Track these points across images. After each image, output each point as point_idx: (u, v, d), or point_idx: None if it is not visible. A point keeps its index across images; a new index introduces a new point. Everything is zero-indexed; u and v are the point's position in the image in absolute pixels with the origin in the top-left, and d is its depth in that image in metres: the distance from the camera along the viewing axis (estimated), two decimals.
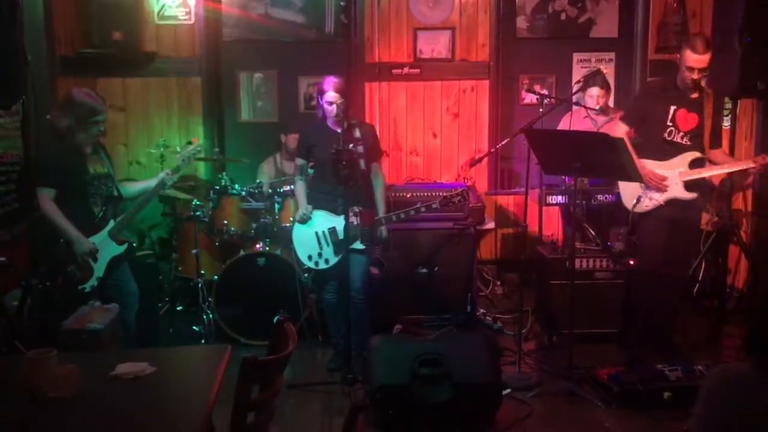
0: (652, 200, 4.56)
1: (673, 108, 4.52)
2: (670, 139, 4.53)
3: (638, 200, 4.58)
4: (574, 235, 4.65)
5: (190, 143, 4.49)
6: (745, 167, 4.55)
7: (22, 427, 2.13)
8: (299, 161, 4.64)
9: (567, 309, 4.34)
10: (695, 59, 4.33)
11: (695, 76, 4.37)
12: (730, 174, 5.01)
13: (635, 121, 4.65)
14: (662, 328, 4.72)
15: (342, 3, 6.36)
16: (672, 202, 4.54)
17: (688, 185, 4.52)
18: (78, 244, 3.94)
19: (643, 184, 4.53)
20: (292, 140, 5.86)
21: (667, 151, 4.55)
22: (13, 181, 4.77)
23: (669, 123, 4.52)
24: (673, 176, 4.51)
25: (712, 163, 4.61)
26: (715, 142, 4.63)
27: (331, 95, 4.38)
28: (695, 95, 4.50)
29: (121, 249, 4.16)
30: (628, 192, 4.66)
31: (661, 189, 4.51)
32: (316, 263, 4.53)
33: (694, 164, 4.54)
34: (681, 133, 4.53)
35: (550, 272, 4.97)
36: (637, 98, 4.87)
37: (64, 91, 4.43)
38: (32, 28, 4.96)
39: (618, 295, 4.91)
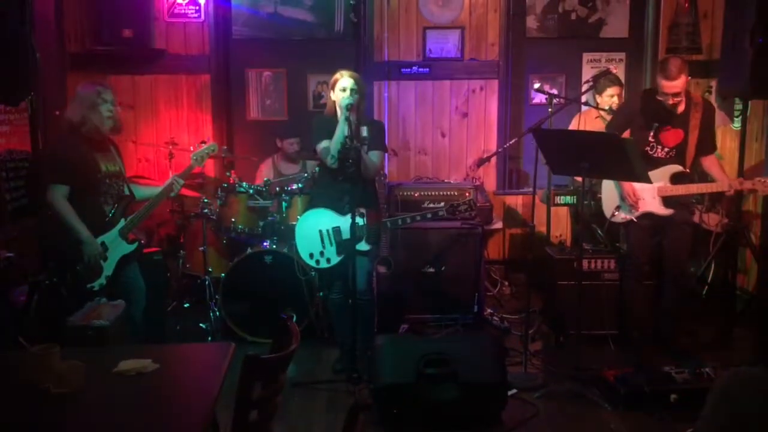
0: (627, 215, 4.60)
1: (656, 125, 4.50)
2: (651, 153, 4.51)
3: (617, 209, 4.62)
4: (582, 236, 4.64)
5: (204, 143, 4.50)
6: (720, 190, 4.55)
7: (25, 422, 2.14)
8: (324, 143, 4.34)
9: (574, 310, 4.32)
10: (670, 86, 4.31)
11: (670, 101, 4.36)
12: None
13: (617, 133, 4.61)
14: (668, 330, 4.72)
15: (351, 2, 6.34)
16: (648, 216, 4.55)
17: (666, 201, 4.50)
18: (88, 245, 3.92)
19: (621, 198, 4.57)
20: (287, 145, 5.85)
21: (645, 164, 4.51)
22: (21, 177, 4.80)
23: (651, 139, 4.50)
24: (651, 190, 4.49)
25: (702, 168, 4.61)
26: (707, 149, 4.56)
27: (345, 81, 4.26)
28: (681, 108, 4.47)
29: (131, 247, 4.15)
30: (608, 201, 4.69)
31: (634, 207, 4.54)
32: (317, 261, 4.44)
33: (676, 179, 4.50)
34: (665, 149, 4.51)
35: (558, 273, 4.94)
36: (619, 113, 4.86)
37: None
38: (43, 25, 4.99)
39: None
